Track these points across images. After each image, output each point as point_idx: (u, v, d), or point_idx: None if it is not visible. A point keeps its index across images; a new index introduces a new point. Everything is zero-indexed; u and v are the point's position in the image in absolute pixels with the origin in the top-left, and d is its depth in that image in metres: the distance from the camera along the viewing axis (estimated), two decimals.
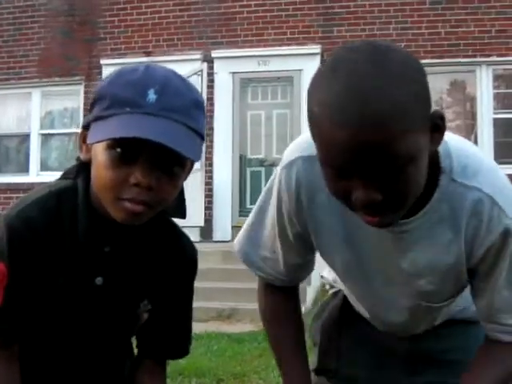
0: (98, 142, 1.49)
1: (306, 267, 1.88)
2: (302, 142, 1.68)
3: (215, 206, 11.79)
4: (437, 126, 1.40)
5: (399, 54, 1.35)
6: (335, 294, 2.07)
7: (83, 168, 1.65)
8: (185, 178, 1.61)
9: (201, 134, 1.55)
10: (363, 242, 1.66)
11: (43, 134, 13.06)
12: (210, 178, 11.71)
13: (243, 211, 11.92)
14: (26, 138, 13.15)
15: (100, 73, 12.37)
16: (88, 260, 1.64)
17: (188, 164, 1.58)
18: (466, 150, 1.60)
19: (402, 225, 1.57)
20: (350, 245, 1.68)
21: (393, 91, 1.27)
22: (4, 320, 1.59)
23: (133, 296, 1.72)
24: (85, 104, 12.41)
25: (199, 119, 1.55)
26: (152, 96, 1.47)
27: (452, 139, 1.60)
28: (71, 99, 12.90)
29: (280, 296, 1.91)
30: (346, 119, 1.27)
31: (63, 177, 1.72)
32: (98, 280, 1.65)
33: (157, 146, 1.44)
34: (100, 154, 1.51)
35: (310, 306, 7.92)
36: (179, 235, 1.81)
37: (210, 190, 11.74)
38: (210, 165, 11.67)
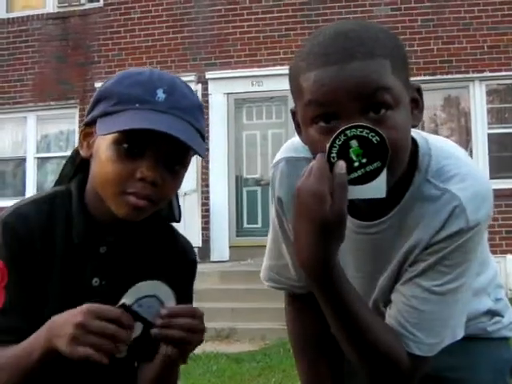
0: (110, 133, 1.52)
1: None
2: (288, 145, 1.77)
3: (212, 226, 11.77)
4: (415, 100, 1.49)
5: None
6: None
7: (78, 169, 1.70)
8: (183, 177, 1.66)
9: (203, 135, 1.62)
10: (342, 249, 1.66)
11: (39, 158, 13.07)
12: (207, 198, 11.71)
13: (240, 231, 11.93)
14: (21, 161, 13.15)
15: None
16: (84, 261, 1.65)
17: (188, 163, 1.62)
18: (448, 152, 1.60)
19: (375, 226, 1.59)
20: None
21: (375, 39, 1.40)
22: (8, 319, 1.59)
23: None
24: (80, 127, 12.40)
25: (202, 121, 1.62)
26: (161, 95, 1.53)
27: (437, 140, 1.62)
28: (66, 122, 12.91)
29: (308, 317, 1.90)
30: (333, 57, 1.38)
31: (57, 182, 1.76)
32: (95, 281, 1.66)
33: (163, 143, 1.50)
34: (105, 149, 1.55)
35: None
36: (177, 237, 1.82)
37: (207, 210, 11.74)
38: (207, 185, 11.68)
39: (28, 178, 12.99)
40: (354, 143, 1.34)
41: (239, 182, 12.16)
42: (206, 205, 11.72)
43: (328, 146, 1.35)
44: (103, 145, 1.56)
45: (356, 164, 1.36)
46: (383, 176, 1.37)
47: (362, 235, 1.62)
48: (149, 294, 1.46)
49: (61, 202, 1.67)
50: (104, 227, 1.65)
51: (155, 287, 1.47)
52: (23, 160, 13.13)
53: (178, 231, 1.84)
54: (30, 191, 12.76)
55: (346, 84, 1.36)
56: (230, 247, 11.68)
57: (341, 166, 1.35)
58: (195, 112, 1.59)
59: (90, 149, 1.63)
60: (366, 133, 1.34)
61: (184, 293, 1.82)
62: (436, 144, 1.60)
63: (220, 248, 11.68)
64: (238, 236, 11.91)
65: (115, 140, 1.54)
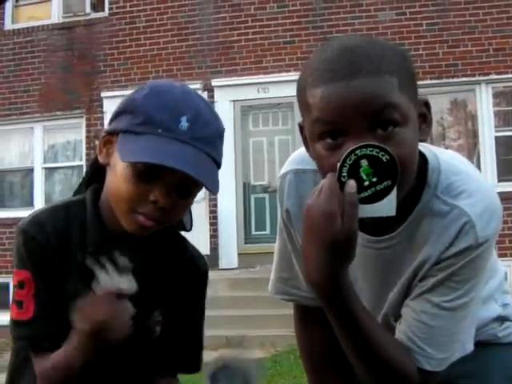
0: (132, 162, 1.56)
1: None
2: (295, 156, 1.77)
3: (220, 234, 11.77)
4: (423, 114, 1.48)
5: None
6: None
7: (93, 178, 1.75)
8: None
9: (220, 164, 1.65)
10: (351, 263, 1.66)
11: (46, 168, 13.08)
12: (215, 206, 11.70)
13: (248, 238, 11.92)
14: (29, 172, 13.17)
15: (101, 105, 12.42)
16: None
17: (200, 189, 1.65)
18: (458, 168, 1.60)
19: (384, 241, 1.59)
20: None
21: (382, 55, 1.39)
22: (40, 326, 1.63)
23: (143, 306, 1.73)
24: (87, 137, 12.46)
25: (220, 149, 1.67)
26: (184, 123, 1.57)
27: (446, 155, 1.61)
28: (73, 132, 12.92)
29: (317, 331, 1.89)
30: (339, 73, 1.37)
31: (78, 188, 1.81)
32: None
33: (178, 172, 1.53)
34: (122, 167, 1.59)
35: None
36: (187, 248, 1.85)
37: (215, 218, 11.74)
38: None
39: (36, 188, 13.00)
40: (364, 162, 1.35)
41: (247, 189, 12.15)
42: (214, 212, 11.72)
43: (339, 165, 1.36)
44: (121, 162, 1.59)
45: (366, 183, 1.37)
46: (393, 194, 1.38)
47: (370, 249, 1.61)
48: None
49: (76, 211, 1.70)
50: (117, 236, 1.68)
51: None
52: (31, 170, 13.14)
53: (189, 242, 1.87)
54: (38, 201, 12.76)
55: (353, 101, 1.35)
56: (239, 254, 11.67)
57: (351, 185, 1.35)
58: (215, 141, 1.64)
59: (108, 156, 1.66)
60: (376, 152, 1.34)
61: (195, 304, 1.84)
62: (445, 159, 1.59)
63: (228, 255, 11.67)
64: (246, 243, 11.89)
65: (132, 162, 1.57)
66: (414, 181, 1.50)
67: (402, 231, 1.57)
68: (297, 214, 1.71)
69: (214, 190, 1.58)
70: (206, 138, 1.61)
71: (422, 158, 1.56)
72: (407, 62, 1.46)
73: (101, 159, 1.68)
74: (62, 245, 1.65)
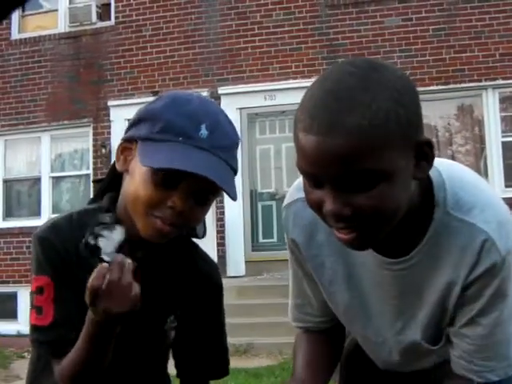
0: (154, 167, 1.56)
1: None
2: (298, 185, 1.71)
3: (228, 241, 11.76)
4: (423, 153, 1.37)
5: (390, 74, 1.34)
6: None
7: (110, 187, 1.76)
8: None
9: (236, 172, 1.67)
10: (363, 279, 1.66)
11: (54, 177, 13.11)
12: (222, 213, 11.70)
13: (256, 246, 11.90)
14: (36, 181, 13.19)
15: (108, 114, 12.45)
16: None
17: (217, 196, 1.68)
18: (463, 181, 1.56)
19: (401, 262, 1.57)
20: (350, 283, 1.69)
21: (368, 105, 1.27)
22: (60, 331, 1.64)
23: (159, 310, 1.76)
24: (94, 146, 12.48)
25: (236, 157, 1.68)
26: (204, 131, 1.58)
27: (447, 169, 1.57)
28: (80, 141, 12.95)
29: (319, 343, 1.92)
30: (317, 125, 1.29)
31: (95, 196, 1.83)
32: None
33: (198, 179, 1.54)
34: (142, 173, 1.60)
35: None
36: (200, 256, 1.88)
37: (222, 225, 11.73)
38: (221, 201, 11.66)
39: (43, 197, 13.02)
40: None
41: (254, 197, 12.15)
42: (221, 220, 11.71)
43: None
44: (140, 168, 1.60)
45: None
46: None
47: (387, 271, 1.60)
48: None
49: (92, 218, 1.70)
50: (134, 243, 1.68)
51: None
52: (38, 180, 13.17)
53: (203, 251, 1.89)
54: (46, 211, 12.78)
55: (326, 161, 1.29)
56: (246, 262, 11.65)
57: None
58: (233, 150, 1.66)
59: (126, 163, 1.67)
60: None
61: (211, 311, 1.85)
62: (449, 173, 1.55)
63: (236, 263, 11.65)
64: (253, 251, 11.88)
65: (153, 168, 1.57)
66: (419, 200, 1.48)
67: (419, 252, 1.55)
68: (304, 243, 1.72)
69: (234, 197, 1.58)
70: (225, 146, 1.62)
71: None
72: (403, 106, 1.31)
73: (118, 166, 1.69)
74: (78, 250, 1.65)
